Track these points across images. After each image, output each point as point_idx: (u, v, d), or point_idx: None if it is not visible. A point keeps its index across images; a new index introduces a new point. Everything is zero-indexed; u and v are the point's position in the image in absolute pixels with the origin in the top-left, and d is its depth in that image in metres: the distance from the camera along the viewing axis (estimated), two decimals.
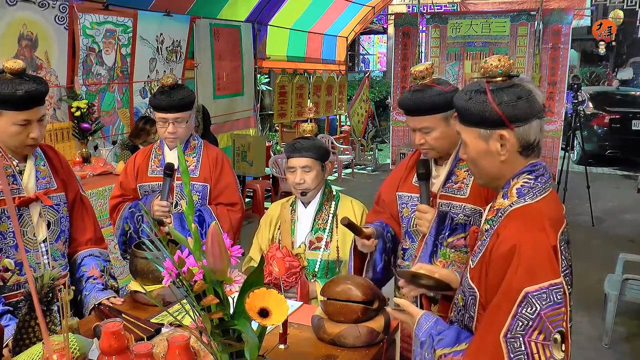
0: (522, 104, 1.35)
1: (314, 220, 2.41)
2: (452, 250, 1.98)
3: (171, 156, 2.67)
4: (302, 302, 2.20)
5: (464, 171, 2.02)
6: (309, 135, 2.43)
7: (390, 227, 2.24)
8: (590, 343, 3.96)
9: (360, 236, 2.08)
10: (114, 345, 1.40)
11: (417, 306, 1.71)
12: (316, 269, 2.37)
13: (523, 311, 1.25)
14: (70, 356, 1.45)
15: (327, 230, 2.40)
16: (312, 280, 2.36)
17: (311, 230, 2.40)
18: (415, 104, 1.97)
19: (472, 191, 1.99)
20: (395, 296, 2.02)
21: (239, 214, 2.73)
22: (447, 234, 1.99)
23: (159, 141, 2.76)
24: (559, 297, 1.26)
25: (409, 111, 2.01)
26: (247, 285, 1.22)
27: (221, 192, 2.70)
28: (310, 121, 2.49)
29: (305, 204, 2.45)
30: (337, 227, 2.40)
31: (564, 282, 1.29)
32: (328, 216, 2.42)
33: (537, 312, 1.24)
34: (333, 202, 2.45)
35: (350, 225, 2.04)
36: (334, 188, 2.55)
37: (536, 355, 1.25)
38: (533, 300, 1.25)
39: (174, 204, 2.63)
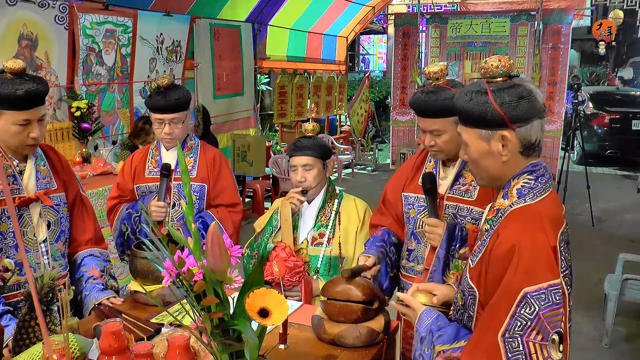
0: (524, 104, 1.35)
1: (317, 217, 2.43)
2: (464, 262, 1.94)
3: (168, 156, 2.67)
4: (302, 302, 2.20)
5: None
6: (311, 134, 2.45)
7: (393, 234, 2.23)
8: (590, 343, 3.96)
9: (365, 271, 2.06)
10: (114, 345, 1.40)
11: None
12: (318, 265, 2.38)
13: (522, 311, 1.25)
14: (70, 356, 1.46)
15: (329, 227, 2.41)
16: (315, 278, 2.36)
17: (314, 227, 2.42)
18: (427, 105, 1.94)
19: (479, 194, 1.97)
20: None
21: (240, 215, 2.75)
22: (457, 245, 1.97)
23: (155, 141, 2.76)
24: (557, 297, 1.26)
25: (420, 112, 1.98)
26: (247, 285, 1.22)
27: (221, 192, 2.70)
28: (312, 121, 2.50)
29: (309, 202, 2.46)
30: (339, 224, 2.42)
31: (563, 282, 1.29)
32: (331, 213, 2.44)
33: (535, 312, 1.25)
34: (336, 200, 2.47)
35: (352, 275, 2.03)
36: (337, 188, 2.57)
37: (534, 356, 1.25)
38: (532, 300, 1.25)
39: (171, 204, 2.63)
